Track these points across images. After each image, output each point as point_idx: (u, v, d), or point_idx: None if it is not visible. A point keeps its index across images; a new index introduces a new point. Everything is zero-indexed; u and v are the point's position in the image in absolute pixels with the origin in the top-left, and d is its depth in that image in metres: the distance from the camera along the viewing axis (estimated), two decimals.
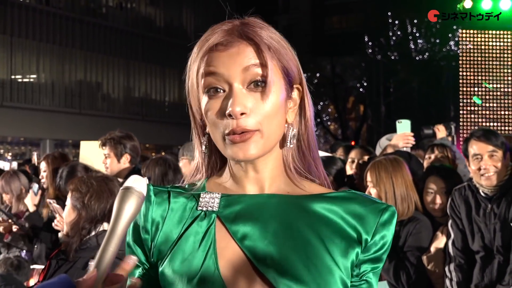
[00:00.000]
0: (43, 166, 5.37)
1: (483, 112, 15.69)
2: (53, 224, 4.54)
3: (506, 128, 15.48)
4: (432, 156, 5.15)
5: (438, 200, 4.09)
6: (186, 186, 1.39)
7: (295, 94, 1.34)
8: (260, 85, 1.25)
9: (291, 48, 1.33)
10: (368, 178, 3.97)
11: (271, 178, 1.34)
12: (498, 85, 15.62)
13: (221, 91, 1.26)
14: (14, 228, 5.25)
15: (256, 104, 1.24)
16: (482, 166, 3.78)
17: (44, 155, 5.67)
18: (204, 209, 1.32)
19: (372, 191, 3.91)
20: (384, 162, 3.97)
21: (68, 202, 3.07)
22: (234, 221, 1.29)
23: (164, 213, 1.35)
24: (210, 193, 1.34)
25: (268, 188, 1.33)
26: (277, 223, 1.28)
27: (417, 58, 26.48)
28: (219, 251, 1.27)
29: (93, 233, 3.01)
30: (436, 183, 4.11)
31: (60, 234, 3.32)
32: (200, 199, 1.34)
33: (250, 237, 1.27)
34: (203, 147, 1.36)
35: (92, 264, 1.17)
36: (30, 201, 5.35)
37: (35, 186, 5.31)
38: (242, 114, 1.23)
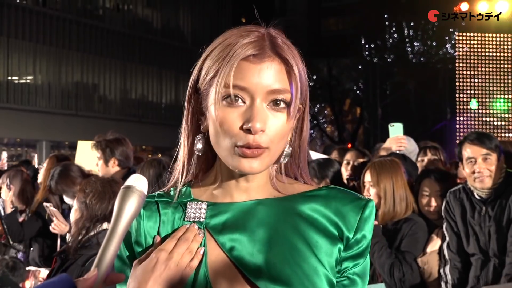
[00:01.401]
0: (46, 162, 5.46)
1: (480, 115, 15.69)
2: (50, 227, 4.55)
3: (503, 129, 15.49)
4: (425, 159, 5.17)
5: (433, 203, 4.10)
6: (171, 192, 1.38)
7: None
8: (279, 104, 1.25)
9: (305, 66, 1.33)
10: (367, 178, 3.99)
11: (259, 186, 1.34)
12: (495, 89, 15.63)
13: (240, 100, 1.24)
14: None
15: (273, 123, 1.24)
16: (476, 169, 3.79)
17: (52, 154, 5.74)
18: (191, 220, 1.32)
19: (371, 191, 3.93)
20: (384, 163, 4.01)
21: (75, 202, 3.16)
22: (221, 231, 1.30)
23: (156, 225, 1.34)
24: (196, 202, 1.34)
25: (255, 194, 1.34)
26: (264, 230, 1.29)
27: (413, 61, 26.56)
28: (210, 263, 1.28)
29: (93, 232, 3.06)
30: (431, 186, 4.12)
31: (67, 234, 3.37)
32: (187, 209, 1.34)
33: (239, 247, 1.28)
34: (199, 145, 1.34)
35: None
36: (5, 196, 5.43)
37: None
38: (261, 131, 1.22)
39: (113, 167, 4.74)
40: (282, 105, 1.25)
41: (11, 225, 5.20)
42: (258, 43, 1.25)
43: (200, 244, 1.29)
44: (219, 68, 1.24)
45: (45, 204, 4.74)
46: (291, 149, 1.34)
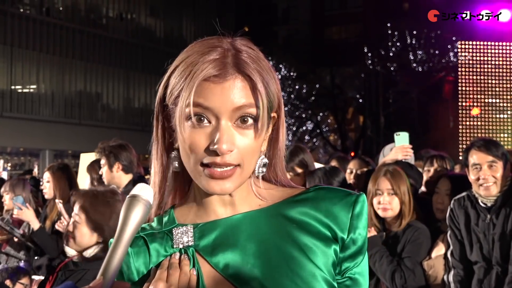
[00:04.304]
0: (46, 176, 5.39)
1: (482, 123, 15.70)
2: (56, 225, 4.59)
3: (504, 135, 15.49)
4: (431, 169, 5.14)
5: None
6: (154, 222, 1.34)
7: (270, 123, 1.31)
8: (246, 121, 1.21)
9: (275, 74, 1.28)
10: (386, 185, 3.96)
11: (242, 198, 1.31)
12: (498, 97, 15.64)
13: (205, 120, 1.20)
14: (15, 238, 5.25)
15: (242, 141, 1.21)
16: (481, 176, 3.78)
17: (48, 166, 5.67)
18: (180, 246, 1.29)
19: (386, 198, 3.93)
20: (398, 170, 4.03)
21: (72, 215, 3.15)
22: (213, 252, 1.27)
23: (146, 260, 1.32)
24: (181, 227, 1.31)
25: (240, 207, 1.31)
26: (255, 243, 1.27)
27: (416, 69, 26.58)
28: (208, 286, 1.26)
29: (94, 242, 3.07)
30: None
31: (68, 248, 3.38)
32: (174, 236, 1.31)
33: (232, 265, 1.26)
34: (175, 163, 1.30)
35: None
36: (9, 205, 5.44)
37: (19, 199, 5.23)
38: (229, 151, 1.19)
39: (118, 172, 4.77)
40: (250, 121, 1.21)
41: (44, 241, 5.11)
42: (220, 61, 1.20)
43: (191, 266, 1.27)
44: (181, 88, 1.21)
45: (57, 200, 4.79)
46: (266, 160, 1.31)
